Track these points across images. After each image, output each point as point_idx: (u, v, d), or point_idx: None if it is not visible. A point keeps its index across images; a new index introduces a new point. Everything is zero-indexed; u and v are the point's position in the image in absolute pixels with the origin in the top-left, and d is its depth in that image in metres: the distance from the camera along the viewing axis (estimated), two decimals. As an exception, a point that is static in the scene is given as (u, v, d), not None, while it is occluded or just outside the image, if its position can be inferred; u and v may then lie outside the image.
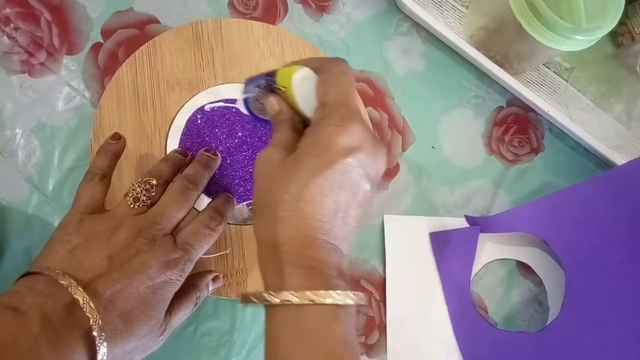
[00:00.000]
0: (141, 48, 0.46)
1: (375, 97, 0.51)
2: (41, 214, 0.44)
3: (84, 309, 0.31)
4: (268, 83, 0.35)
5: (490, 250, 0.51)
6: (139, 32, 0.48)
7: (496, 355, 0.48)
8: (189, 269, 0.37)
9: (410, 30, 0.53)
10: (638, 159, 0.47)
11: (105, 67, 0.46)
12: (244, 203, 0.45)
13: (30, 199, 0.44)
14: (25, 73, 0.45)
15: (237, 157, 0.46)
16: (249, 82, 0.38)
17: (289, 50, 0.49)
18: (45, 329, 0.29)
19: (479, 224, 0.49)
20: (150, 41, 0.46)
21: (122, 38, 0.47)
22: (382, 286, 0.49)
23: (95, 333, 0.30)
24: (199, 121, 0.46)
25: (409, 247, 0.49)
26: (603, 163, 0.54)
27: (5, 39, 0.45)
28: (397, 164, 0.51)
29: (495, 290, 0.51)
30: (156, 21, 0.48)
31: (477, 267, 0.50)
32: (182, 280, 0.36)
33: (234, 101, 0.47)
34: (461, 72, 0.53)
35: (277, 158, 0.31)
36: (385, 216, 0.49)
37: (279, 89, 0.34)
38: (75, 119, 0.45)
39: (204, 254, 0.44)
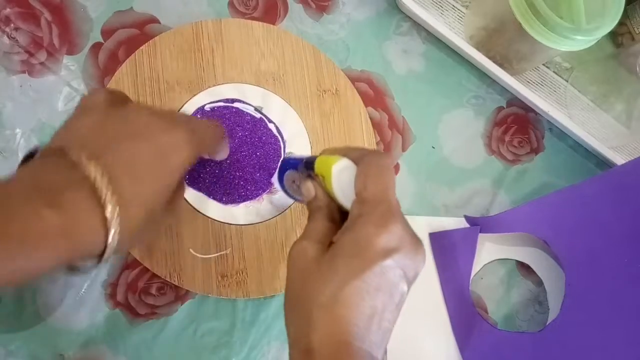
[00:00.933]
0: (141, 48, 0.46)
1: (376, 97, 0.51)
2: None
3: (85, 167, 0.28)
4: (307, 167, 0.35)
5: (490, 250, 0.51)
6: (139, 32, 0.48)
7: (496, 355, 0.48)
8: (196, 142, 0.33)
9: (410, 30, 0.53)
10: (638, 158, 0.47)
11: (105, 67, 0.46)
12: (245, 203, 0.46)
13: (30, 199, 0.44)
14: (25, 73, 0.45)
15: (237, 156, 0.46)
16: (288, 162, 0.38)
17: (289, 51, 0.49)
18: (41, 193, 0.27)
19: (479, 224, 0.49)
20: (151, 41, 0.46)
21: (122, 38, 0.47)
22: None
23: (102, 189, 0.28)
24: None
25: (409, 247, 0.49)
26: (603, 163, 0.54)
27: (6, 39, 0.45)
28: (397, 164, 0.51)
29: (495, 290, 0.51)
30: (156, 21, 0.48)
31: (477, 267, 0.50)
32: (191, 155, 0.33)
33: (233, 101, 0.47)
34: (461, 72, 0.53)
35: (313, 253, 0.30)
36: (385, 216, 0.49)
37: (317, 176, 0.33)
38: (75, 119, 0.45)
39: (204, 255, 0.45)
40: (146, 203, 0.31)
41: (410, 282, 0.30)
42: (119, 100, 0.34)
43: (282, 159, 0.39)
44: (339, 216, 0.33)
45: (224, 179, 0.45)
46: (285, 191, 0.39)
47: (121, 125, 0.32)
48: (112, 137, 0.31)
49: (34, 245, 0.26)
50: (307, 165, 0.35)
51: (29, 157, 0.32)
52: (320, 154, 0.35)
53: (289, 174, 0.38)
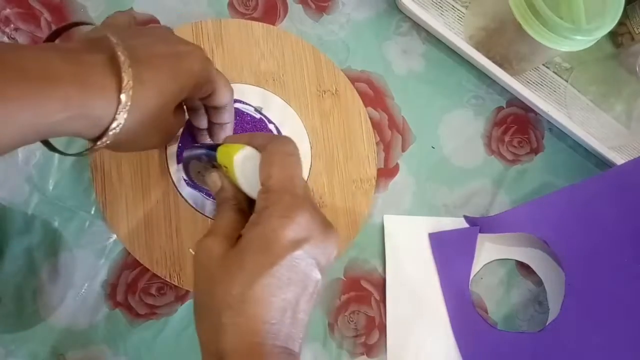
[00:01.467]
0: (141, 48, 0.46)
1: (375, 97, 0.51)
2: (41, 214, 0.44)
3: (111, 39, 0.29)
4: (210, 157, 0.33)
5: (490, 250, 0.51)
6: (139, 32, 0.48)
7: (496, 355, 0.48)
8: (208, 60, 0.35)
9: (410, 30, 0.53)
10: (638, 158, 0.47)
11: (105, 67, 0.46)
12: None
13: (30, 199, 0.44)
14: (25, 73, 0.45)
15: None
16: (190, 150, 0.35)
17: (289, 51, 0.49)
18: (57, 49, 0.28)
19: (478, 225, 0.49)
20: (151, 41, 0.46)
21: (122, 38, 0.47)
22: (382, 286, 0.49)
23: (120, 55, 0.28)
24: None
25: (409, 247, 0.49)
26: (603, 163, 0.54)
27: (5, 40, 0.45)
28: (397, 164, 0.51)
29: (495, 290, 0.51)
30: (156, 21, 0.48)
31: (477, 267, 0.50)
32: (205, 66, 0.34)
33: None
34: (461, 72, 0.53)
35: (218, 251, 0.28)
36: (385, 216, 0.49)
37: (219, 166, 0.32)
38: (75, 119, 0.45)
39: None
40: (160, 91, 0.31)
41: (323, 269, 0.29)
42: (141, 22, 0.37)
43: (184, 151, 0.36)
44: (248, 207, 0.32)
45: None
46: (193, 184, 0.36)
47: (144, 32, 0.34)
48: (136, 36, 0.32)
49: (45, 86, 0.26)
50: (209, 156, 0.33)
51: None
52: (223, 142, 0.33)
53: (194, 165, 0.35)
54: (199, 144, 0.35)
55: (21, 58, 0.26)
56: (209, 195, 0.39)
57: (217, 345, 0.27)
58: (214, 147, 0.33)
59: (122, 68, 0.28)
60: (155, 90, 0.30)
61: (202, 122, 0.41)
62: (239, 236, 0.29)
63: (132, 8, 0.48)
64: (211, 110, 0.40)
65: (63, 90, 0.27)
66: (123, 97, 0.28)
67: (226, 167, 0.31)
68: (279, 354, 0.27)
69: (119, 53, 0.29)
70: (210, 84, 0.36)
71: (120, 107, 0.28)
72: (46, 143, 0.32)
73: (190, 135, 0.45)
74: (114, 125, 0.29)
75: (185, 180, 0.38)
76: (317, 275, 0.28)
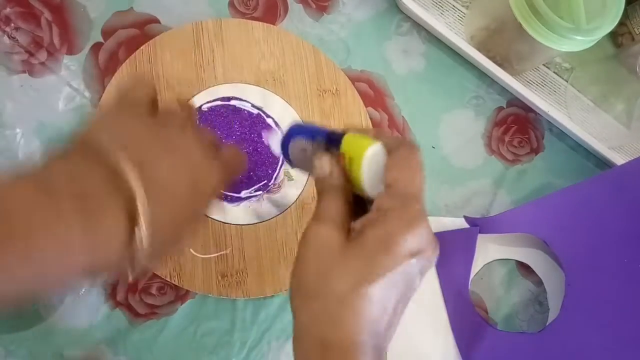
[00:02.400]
0: (141, 48, 0.46)
1: (375, 97, 0.51)
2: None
3: (126, 175, 0.27)
4: (329, 142, 0.32)
5: (490, 250, 0.51)
6: (139, 32, 0.48)
7: (495, 355, 0.48)
8: (227, 176, 0.34)
9: (410, 30, 0.53)
10: (638, 158, 0.47)
11: (105, 67, 0.46)
12: (245, 203, 0.46)
13: (30, 198, 0.44)
14: (25, 73, 0.45)
15: None
16: (299, 129, 0.35)
17: (289, 51, 0.49)
18: (78, 203, 0.25)
19: (478, 225, 0.49)
20: (151, 41, 0.46)
21: (122, 38, 0.47)
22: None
23: (138, 202, 0.27)
24: (198, 122, 0.46)
25: (409, 247, 0.49)
26: (603, 163, 0.54)
27: (6, 39, 0.45)
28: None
29: (495, 290, 0.51)
30: (156, 21, 0.48)
31: (477, 267, 0.50)
32: (219, 188, 0.33)
33: (229, 99, 0.47)
34: (461, 72, 0.53)
35: (336, 241, 0.29)
36: (385, 216, 0.49)
37: (339, 154, 0.31)
38: (75, 119, 0.45)
39: (204, 255, 0.45)
40: (175, 227, 0.30)
41: (423, 277, 0.30)
42: (157, 102, 0.33)
43: (292, 124, 0.35)
44: (352, 199, 0.31)
45: None
46: (288, 159, 0.35)
47: (164, 140, 0.31)
48: (154, 149, 0.30)
49: (55, 254, 0.24)
50: (330, 139, 0.32)
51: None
52: (346, 130, 0.32)
53: (300, 141, 0.34)
54: (315, 125, 0.34)
55: (35, 227, 0.24)
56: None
57: (326, 333, 0.28)
58: (339, 133, 0.32)
59: (138, 225, 0.27)
60: (170, 228, 0.30)
61: None
62: (348, 228, 0.30)
63: (132, 8, 0.48)
64: None
65: (78, 264, 0.25)
66: (137, 254, 0.27)
67: (350, 157, 0.30)
68: (376, 352, 0.28)
69: (138, 203, 0.26)
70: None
71: (136, 257, 0.28)
72: None
73: None
74: (132, 274, 0.28)
75: (280, 154, 0.37)
76: (418, 282, 0.29)
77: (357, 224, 0.29)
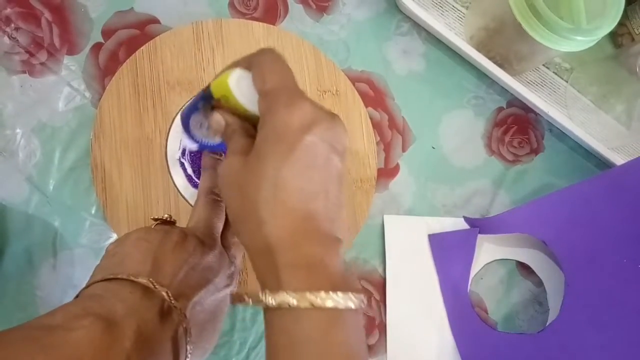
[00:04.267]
0: (142, 48, 0.46)
1: (376, 97, 0.51)
2: (41, 214, 0.44)
3: (177, 317, 0.30)
4: (206, 99, 0.33)
5: (490, 250, 0.51)
6: (140, 32, 0.48)
7: (495, 356, 0.48)
8: (236, 281, 0.38)
9: (410, 30, 0.53)
10: (638, 158, 0.47)
11: (105, 67, 0.46)
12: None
13: (30, 199, 0.44)
14: (25, 73, 0.45)
15: None
16: (186, 110, 0.36)
17: (290, 51, 0.49)
18: (138, 342, 0.28)
19: (478, 226, 0.49)
20: (151, 41, 0.46)
21: (122, 38, 0.47)
22: (382, 286, 0.49)
23: (187, 344, 0.30)
24: None
25: (409, 247, 0.49)
26: (603, 164, 0.54)
27: (6, 39, 0.45)
28: (398, 164, 0.51)
29: (495, 290, 0.51)
30: (157, 21, 0.48)
31: (477, 267, 0.50)
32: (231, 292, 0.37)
33: None
34: (461, 72, 0.53)
35: (239, 163, 0.29)
36: (385, 216, 0.49)
37: (218, 101, 0.32)
38: (75, 119, 0.45)
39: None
40: (204, 348, 0.34)
41: (341, 154, 0.29)
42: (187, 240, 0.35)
43: (181, 111, 0.37)
44: (255, 132, 0.32)
45: None
46: (199, 144, 0.37)
47: (198, 268, 0.34)
48: (192, 277, 0.33)
49: None
50: (205, 97, 0.33)
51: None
52: (211, 81, 0.34)
53: (194, 119, 0.35)
54: (192, 100, 0.36)
55: None
56: (218, 148, 0.39)
57: (261, 240, 0.28)
58: (205, 88, 0.33)
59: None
60: (201, 351, 0.34)
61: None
62: None
63: (132, 8, 0.48)
64: None
65: None
66: None
67: (226, 97, 0.32)
68: (326, 237, 0.28)
69: (186, 337, 0.31)
70: None
71: None
72: None
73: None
74: None
75: (192, 145, 0.37)
76: (335, 158, 0.29)
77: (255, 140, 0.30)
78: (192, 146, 0.37)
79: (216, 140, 0.36)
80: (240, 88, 0.31)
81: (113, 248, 0.33)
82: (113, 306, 0.28)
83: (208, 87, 0.33)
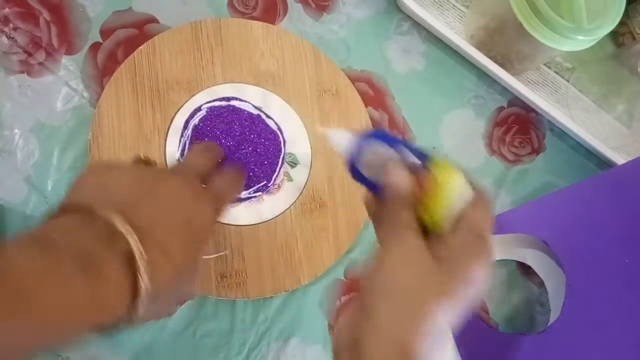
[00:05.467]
0: (140, 48, 0.46)
1: (376, 96, 0.51)
2: (40, 214, 0.44)
3: (127, 239, 0.28)
4: (420, 156, 0.32)
5: (490, 250, 0.50)
6: (138, 32, 0.47)
7: (497, 357, 0.47)
8: (221, 209, 0.35)
9: (410, 29, 0.53)
10: (639, 158, 0.47)
11: (104, 67, 0.46)
12: (245, 203, 0.45)
13: (29, 199, 0.44)
14: (24, 73, 0.45)
15: (237, 155, 0.46)
16: (380, 133, 0.34)
17: (289, 50, 0.49)
18: (80, 263, 0.27)
19: (480, 225, 0.48)
20: (150, 41, 0.46)
21: (121, 38, 0.47)
22: None
23: (139, 264, 0.28)
24: (198, 122, 0.46)
25: (410, 247, 0.49)
26: (604, 163, 0.54)
27: (4, 39, 0.45)
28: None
29: (496, 291, 0.50)
30: (155, 21, 0.48)
31: (477, 267, 0.50)
32: (215, 219, 0.34)
33: (229, 99, 0.47)
34: (462, 72, 0.53)
35: (429, 256, 0.30)
36: (385, 217, 0.49)
37: (427, 173, 0.31)
38: (74, 119, 0.45)
39: (203, 255, 0.44)
40: (176, 272, 0.31)
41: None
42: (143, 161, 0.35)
43: (370, 130, 0.35)
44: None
45: None
46: (354, 159, 0.34)
47: (152, 186, 0.32)
48: (146, 200, 0.31)
49: (61, 317, 0.26)
50: (419, 155, 0.32)
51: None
52: (431, 153, 0.33)
53: (380, 147, 0.33)
54: (394, 136, 0.34)
55: (39, 287, 0.25)
56: (361, 178, 0.35)
57: (407, 341, 0.28)
58: (427, 153, 0.32)
59: (138, 273, 0.28)
60: (171, 274, 0.31)
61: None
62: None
63: (131, 8, 0.47)
64: None
65: (80, 319, 0.26)
66: (140, 306, 0.28)
67: (438, 181, 0.31)
68: None
69: (138, 261, 0.28)
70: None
71: (139, 307, 0.29)
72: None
73: (190, 142, 0.45)
74: (132, 320, 0.29)
75: (346, 150, 0.34)
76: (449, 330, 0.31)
77: (440, 250, 0.30)
78: (342, 153, 0.34)
79: (370, 175, 0.34)
80: (455, 195, 0.31)
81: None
82: (55, 231, 0.28)
83: (427, 154, 0.32)
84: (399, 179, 0.32)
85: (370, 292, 0.30)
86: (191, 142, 0.45)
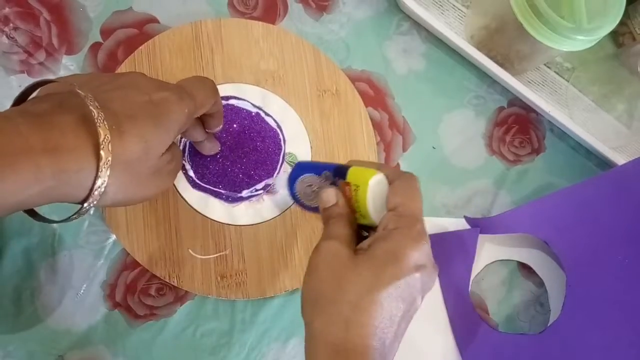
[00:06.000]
0: (140, 48, 0.46)
1: (376, 96, 0.51)
2: (39, 212, 0.44)
3: (80, 94, 0.28)
4: (336, 174, 0.36)
5: (491, 251, 0.50)
6: (139, 31, 0.47)
7: (497, 357, 0.47)
8: (187, 101, 0.34)
9: (410, 29, 0.53)
10: (638, 158, 0.47)
11: (104, 67, 0.46)
12: (246, 203, 0.45)
13: (29, 199, 0.44)
14: (24, 73, 0.45)
15: (238, 153, 0.46)
16: (305, 165, 0.39)
17: (289, 50, 0.49)
18: (25, 115, 0.27)
19: (479, 226, 0.48)
20: (150, 41, 0.46)
21: (121, 38, 0.47)
22: None
23: (93, 110, 0.28)
24: None
25: (410, 247, 0.49)
26: (604, 163, 0.54)
27: (5, 39, 0.45)
28: (398, 164, 0.51)
29: (497, 291, 0.50)
30: (155, 21, 0.48)
31: (478, 268, 0.50)
32: (184, 108, 0.33)
33: (228, 98, 0.47)
34: (462, 72, 0.53)
35: (346, 254, 0.31)
36: (385, 217, 0.49)
37: (346, 184, 0.34)
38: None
39: (203, 255, 0.44)
40: (142, 136, 0.30)
41: (423, 298, 0.32)
42: None
43: (297, 163, 0.41)
44: (356, 227, 0.35)
45: (227, 177, 0.45)
46: (294, 194, 0.40)
47: (115, 81, 0.32)
48: (106, 86, 0.32)
49: (11, 160, 0.25)
50: (337, 172, 0.36)
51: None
52: (349, 163, 0.36)
53: (307, 177, 0.38)
54: (317, 162, 0.40)
55: None
56: (307, 207, 0.40)
57: (338, 338, 0.30)
58: (344, 167, 0.35)
59: (96, 123, 0.27)
60: (137, 138, 0.30)
61: (200, 135, 0.41)
62: (355, 250, 0.32)
63: (131, 8, 0.47)
64: (203, 117, 0.40)
65: (33, 162, 0.26)
66: (102, 153, 0.28)
67: (356, 186, 0.34)
68: (382, 358, 0.30)
69: (92, 108, 0.28)
70: (196, 112, 0.36)
71: (101, 164, 0.28)
72: (29, 212, 0.32)
73: (193, 149, 0.45)
74: (98, 183, 0.28)
75: (287, 190, 0.40)
76: (419, 302, 0.32)
77: (364, 244, 0.32)
78: (282, 191, 0.41)
79: (311, 203, 0.38)
80: (375, 192, 0.33)
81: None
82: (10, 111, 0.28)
83: (345, 167, 0.35)
84: (324, 197, 0.35)
85: (302, 305, 0.32)
86: (195, 157, 0.45)
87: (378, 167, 0.35)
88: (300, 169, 0.39)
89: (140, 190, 0.32)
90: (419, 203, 0.33)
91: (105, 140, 0.28)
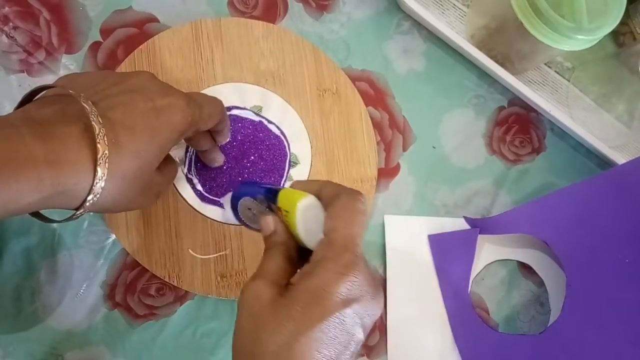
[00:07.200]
0: (140, 47, 0.46)
1: (376, 96, 0.51)
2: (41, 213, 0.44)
3: (82, 103, 0.28)
4: (268, 198, 0.33)
5: (491, 250, 0.50)
6: (138, 31, 0.47)
7: (497, 357, 0.47)
8: (193, 108, 0.34)
9: (411, 29, 0.53)
10: (638, 158, 0.47)
11: (104, 66, 0.46)
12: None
13: (28, 199, 0.43)
14: (24, 72, 0.45)
15: (244, 163, 0.46)
16: (244, 187, 0.36)
17: (289, 50, 0.49)
18: (33, 127, 0.28)
19: (478, 226, 0.48)
20: (150, 40, 0.46)
21: (121, 37, 0.47)
22: (382, 287, 0.48)
23: (95, 126, 0.28)
24: None
25: (409, 247, 0.49)
26: (605, 163, 0.54)
27: (4, 38, 0.45)
28: (398, 164, 0.51)
29: (496, 291, 0.50)
30: (155, 20, 0.48)
31: (477, 267, 0.50)
32: (186, 119, 0.33)
33: (230, 108, 0.46)
34: (462, 71, 0.53)
35: (268, 296, 0.28)
36: (385, 216, 0.49)
37: (279, 209, 0.32)
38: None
39: (203, 255, 0.44)
40: (138, 153, 0.31)
41: (367, 329, 0.29)
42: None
43: (240, 182, 0.39)
44: (297, 255, 0.32)
45: (233, 185, 0.45)
46: (238, 217, 0.37)
47: (119, 81, 0.32)
48: (110, 90, 0.31)
49: (15, 169, 0.26)
50: (268, 197, 0.33)
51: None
52: (291, 185, 0.33)
53: (245, 201, 0.35)
54: (257, 182, 0.37)
55: None
56: (256, 229, 0.38)
57: None
58: (274, 190, 0.33)
59: (97, 139, 0.28)
60: (132, 154, 0.30)
61: (206, 144, 0.41)
62: (287, 283, 0.30)
63: (131, 7, 0.47)
64: (210, 132, 0.40)
65: (35, 173, 0.27)
66: (99, 169, 0.28)
67: (286, 212, 0.31)
68: None
69: (94, 123, 0.28)
70: (199, 124, 0.36)
71: (97, 178, 0.29)
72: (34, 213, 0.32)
73: (200, 163, 0.45)
74: (90, 197, 0.29)
75: (230, 213, 0.38)
76: (360, 335, 0.29)
77: (295, 278, 0.29)
78: (228, 211, 0.38)
79: (256, 226, 0.36)
80: (305, 217, 0.30)
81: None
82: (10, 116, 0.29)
83: (277, 191, 0.32)
84: (262, 224, 0.33)
85: (232, 354, 0.30)
86: (197, 163, 0.45)
87: (320, 186, 0.32)
88: (241, 190, 0.36)
89: (130, 202, 0.33)
90: (356, 227, 0.29)
91: (103, 157, 0.29)
